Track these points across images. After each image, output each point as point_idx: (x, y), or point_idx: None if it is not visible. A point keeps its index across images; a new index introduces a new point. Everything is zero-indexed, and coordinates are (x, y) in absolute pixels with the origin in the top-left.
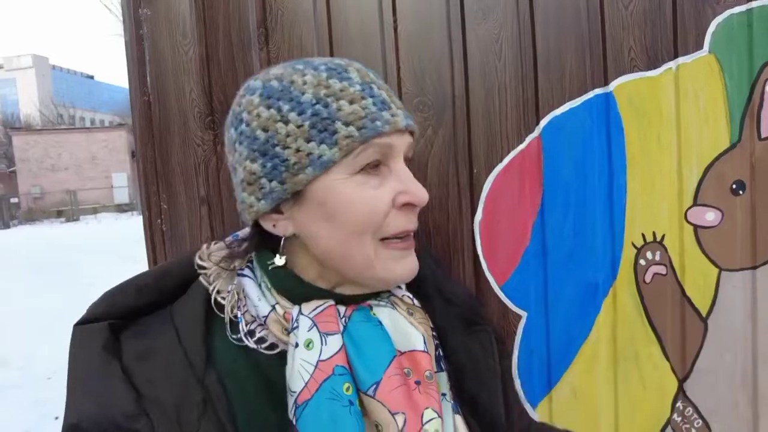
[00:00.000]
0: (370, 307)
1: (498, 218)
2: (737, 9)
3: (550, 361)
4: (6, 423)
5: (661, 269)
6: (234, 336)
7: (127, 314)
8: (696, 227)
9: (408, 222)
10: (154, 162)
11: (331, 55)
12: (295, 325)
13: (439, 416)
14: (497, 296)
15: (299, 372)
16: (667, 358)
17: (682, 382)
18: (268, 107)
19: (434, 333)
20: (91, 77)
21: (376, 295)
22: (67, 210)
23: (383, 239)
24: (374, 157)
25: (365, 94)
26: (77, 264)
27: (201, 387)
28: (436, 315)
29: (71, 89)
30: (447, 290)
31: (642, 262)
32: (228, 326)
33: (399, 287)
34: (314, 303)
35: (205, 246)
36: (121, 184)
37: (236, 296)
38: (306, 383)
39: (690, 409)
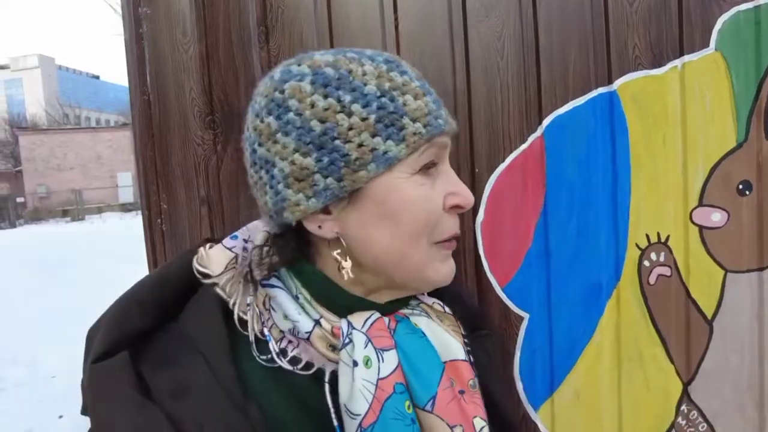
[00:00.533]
0: (407, 317)
1: (500, 219)
2: (744, 6)
3: (552, 363)
4: (11, 420)
5: (666, 270)
6: (263, 357)
7: (137, 339)
8: (701, 228)
9: (455, 225)
10: (154, 161)
11: None
12: (348, 341)
13: (487, 423)
14: (499, 297)
15: (361, 392)
16: (672, 361)
17: (686, 384)
18: (326, 96)
19: (465, 340)
20: (97, 77)
21: (406, 302)
22: (73, 209)
23: (436, 243)
24: (433, 156)
25: (425, 91)
26: (82, 263)
27: (247, 422)
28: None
29: (77, 89)
30: (454, 292)
31: (646, 263)
32: (254, 345)
33: (423, 293)
34: (361, 315)
35: (202, 249)
36: (126, 183)
37: (257, 310)
38: (370, 404)
39: (695, 413)
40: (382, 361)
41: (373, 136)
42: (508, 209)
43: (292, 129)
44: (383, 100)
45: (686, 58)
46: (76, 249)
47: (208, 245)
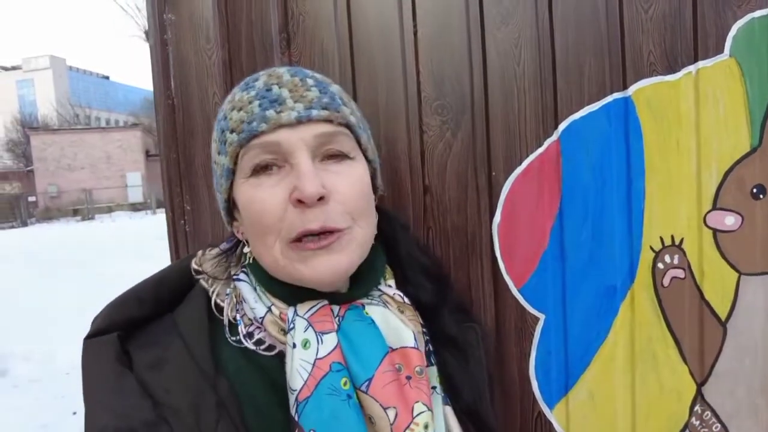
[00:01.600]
0: (363, 306)
1: (516, 221)
2: (759, 13)
3: (567, 363)
4: (28, 416)
5: (680, 273)
6: (233, 338)
7: (131, 325)
8: (715, 231)
9: (305, 220)
10: (178, 164)
11: (352, 59)
12: (292, 326)
13: (429, 409)
14: (515, 298)
15: (298, 371)
16: (686, 362)
17: (700, 385)
18: (214, 130)
19: (424, 329)
20: (107, 78)
21: (366, 293)
22: (83, 209)
23: (293, 241)
24: (259, 158)
25: (255, 98)
26: (93, 262)
27: (214, 392)
28: (437, 318)
29: (87, 90)
30: (451, 300)
31: (660, 265)
32: (227, 328)
33: (389, 285)
34: (308, 304)
35: (200, 252)
36: (135, 183)
37: (234, 299)
38: (305, 381)
39: (708, 413)
40: (321, 343)
41: (219, 153)
42: (524, 212)
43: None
44: (222, 122)
45: (700, 64)
46: (86, 248)
47: (208, 248)
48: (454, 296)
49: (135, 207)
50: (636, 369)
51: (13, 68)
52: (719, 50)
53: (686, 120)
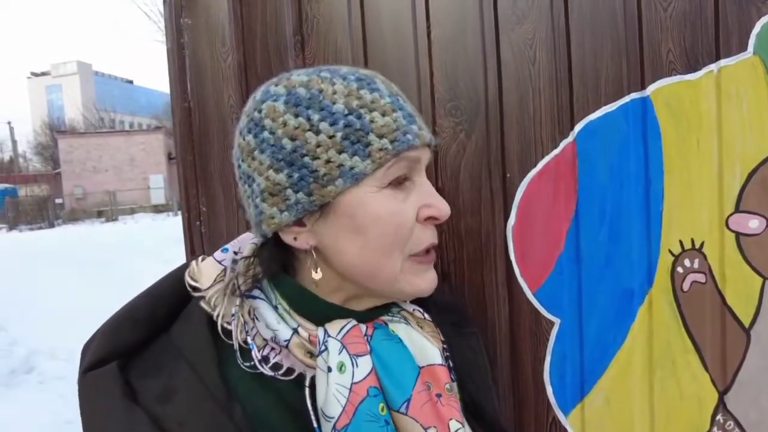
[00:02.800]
0: (387, 324)
1: (531, 223)
2: None
3: (583, 368)
4: (53, 412)
5: (700, 277)
6: (246, 364)
7: (128, 351)
8: (738, 234)
9: (432, 236)
10: (194, 166)
11: (366, 60)
12: (323, 348)
13: (463, 425)
14: (530, 302)
15: (335, 396)
16: (707, 369)
17: (722, 394)
18: (296, 115)
19: (444, 345)
20: (131, 82)
21: (387, 309)
22: (107, 210)
23: (412, 255)
24: (403, 171)
25: (395, 107)
26: (116, 262)
27: (231, 423)
28: (433, 321)
29: (112, 94)
30: (436, 296)
31: (680, 269)
32: (238, 353)
33: (404, 300)
34: (338, 324)
35: (194, 263)
36: (158, 185)
37: (242, 319)
38: (344, 407)
39: (731, 423)
40: (356, 366)
41: (340, 152)
42: (540, 214)
43: (267, 147)
44: (350, 117)
45: (722, 62)
46: (110, 248)
47: (200, 259)
48: (449, 296)
49: (157, 209)
50: (654, 375)
51: (43, 74)
52: (742, 48)
53: (707, 120)
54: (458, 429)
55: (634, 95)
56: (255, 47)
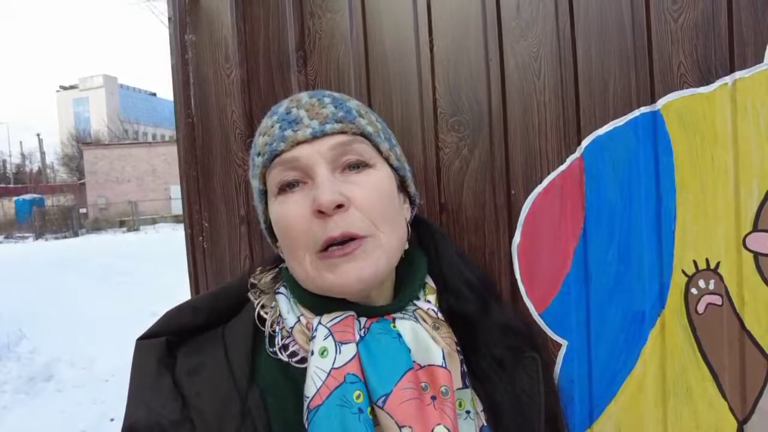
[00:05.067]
0: (393, 320)
1: (537, 242)
2: None
3: (591, 393)
4: (68, 419)
5: (716, 299)
6: (270, 349)
7: (183, 331)
8: (757, 255)
9: (328, 230)
10: (197, 181)
11: (368, 76)
12: (314, 334)
13: None
14: (536, 323)
15: (312, 378)
16: (725, 397)
17: (742, 423)
18: None
19: (459, 348)
20: (154, 94)
21: (400, 307)
22: (129, 220)
23: (321, 251)
24: (283, 175)
25: (275, 122)
26: (137, 272)
27: (242, 401)
28: (484, 340)
29: (136, 106)
30: (501, 317)
31: (694, 290)
32: (267, 340)
33: (427, 301)
34: (334, 314)
35: (259, 268)
36: (179, 196)
37: (276, 312)
38: (318, 389)
39: None
40: (339, 353)
41: (253, 178)
42: (546, 232)
43: None
44: (252, 150)
45: (737, 74)
46: (131, 257)
47: (268, 266)
48: (506, 315)
49: (178, 219)
50: (668, 402)
51: (71, 87)
52: (758, 59)
53: (722, 134)
54: None
55: (643, 109)
56: (258, 63)
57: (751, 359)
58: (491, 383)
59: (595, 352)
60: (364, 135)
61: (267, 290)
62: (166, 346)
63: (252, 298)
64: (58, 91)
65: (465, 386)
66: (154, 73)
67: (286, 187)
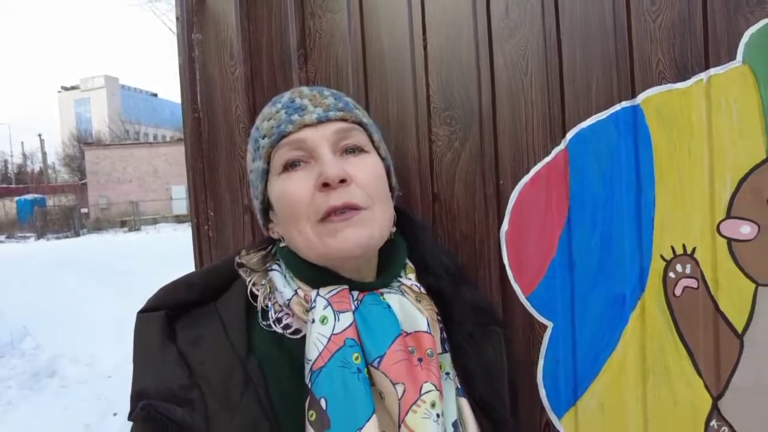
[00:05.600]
0: (381, 294)
1: (524, 229)
2: None
3: (576, 372)
4: (72, 415)
5: (692, 282)
6: (264, 323)
7: (179, 307)
8: (730, 240)
9: (330, 200)
10: (203, 173)
11: (365, 73)
12: (313, 305)
13: (437, 390)
14: (523, 306)
15: (314, 343)
16: (700, 375)
17: (716, 399)
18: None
19: (439, 317)
20: (155, 95)
21: (386, 283)
22: (130, 220)
23: (322, 220)
24: (288, 155)
25: (281, 108)
26: (138, 271)
27: (243, 370)
28: (457, 316)
29: (137, 106)
30: (471, 297)
31: (671, 274)
32: (260, 314)
33: (408, 277)
34: (330, 287)
35: (244, 250)
36: (180, 196)
37: (268, 289)
38: (320, 353)
39: (725, 429)
40: (338, 321)
41: (254, 161)
42: (533, 220)
43: None
44: (254, 133)
45: (712, 71)
46: (132, 257)
47: (252, 248)
48: (476, 296)
49: (179, 219)
50: (647, 381)
51: (72, 88)
52: (731, 57)
53: (698, 128)
54: (430, 390)
55: (624, 104)
56: (261, 60)
57: (724, 339)
58: (464, 353)
59: (579, 333)
60: (361, 124)
61: (257, 269)
62: (166, 318)
63: (243, 275)
64: (59, 91)
65: (444, 351)
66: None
67: (289, 166)
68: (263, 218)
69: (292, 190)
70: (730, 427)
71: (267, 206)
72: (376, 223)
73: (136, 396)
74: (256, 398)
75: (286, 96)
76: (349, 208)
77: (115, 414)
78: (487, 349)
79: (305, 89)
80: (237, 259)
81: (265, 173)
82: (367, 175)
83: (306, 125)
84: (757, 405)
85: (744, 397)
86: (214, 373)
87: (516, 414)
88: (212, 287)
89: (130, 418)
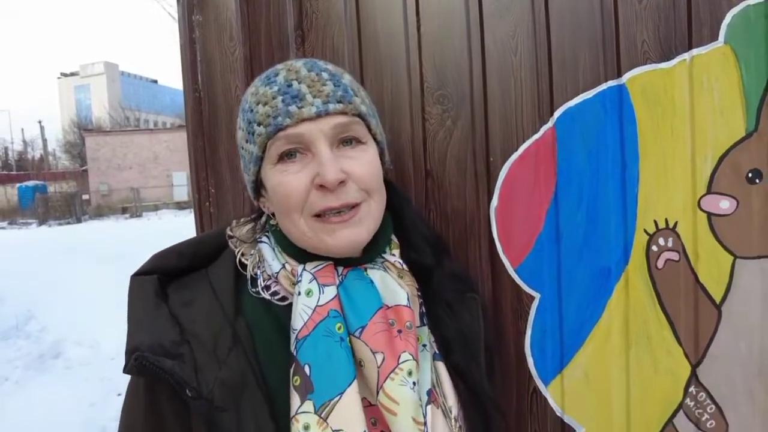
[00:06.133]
0: (365, 269)
1: (513, 205)
2: (754, 0)
3: (562, 342)
4: (77, 395)
5: (674, 255)
6: (253, 290)
7: (170, 272)
8: (710, 215)
9: (327, 200)
10: (204, 151)
11: (360, 54)
12: (299, 278)
13: (414, 359)
14: (511, 278)
15: (300, 314)
16: (680, 343)
17: (695, 367)
18: (238, 116)
19: (419, 293)
20: (155, 81)
21: (370, 259)
22: (131, 206)
23: (317, 216)
24: (285, 147)
25: (278, 93)
26: (140, 257)
27: (232, 329)
28: (436, 285)
29: (137, 93)
30: (449, 267)
31: (654, 248)
32: (249, 282)
33: (392, 254)
34: (316, 262)
35: (234, 222)
36: (181, 182)
37: (257, 258)
38: (305, 322)
39: (703, 394)
40: (322, 293)
41: (247, 142)
42: (521, 195)
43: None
44: (248, 114)
45: (695, 51)
46: (134, 243)
47: (241, 219)
48: (453, 265)
49: (180, 205)
50: (630, 349)
51: (72, 74)
52: (714, 38)
53: (680, 106)
54: (407, 360)
55: (611, 83)
56: (260, 41)
57: (703, 309)
58: (442, 323)
59: (565, 304)
60: (360, 115)
61: (246, 240)
62: (158, 282)
63: (233, 246)
64: (59, 78)
65: (423, 324)
66: (155, 61)
67: (285, 156)
68: (254, 193)
69: (288, 184)
70: (707, 392)
71: (258, 185)
72: (371, 218)
73: (130, 351)
74: (243, 354)
75: (281, 75)
76: (346, 207)
77: (119, 394)
78: (464, 315)
79: (302, 67)
80: (228, 231)
81: (259, 160)
82: (365, 170)
83: (304, 119)
84: (732, 371)
85: (720, 364)
86: (204, 330)
87: (492, 376)
88: (200, 256)
89: (124, 371)
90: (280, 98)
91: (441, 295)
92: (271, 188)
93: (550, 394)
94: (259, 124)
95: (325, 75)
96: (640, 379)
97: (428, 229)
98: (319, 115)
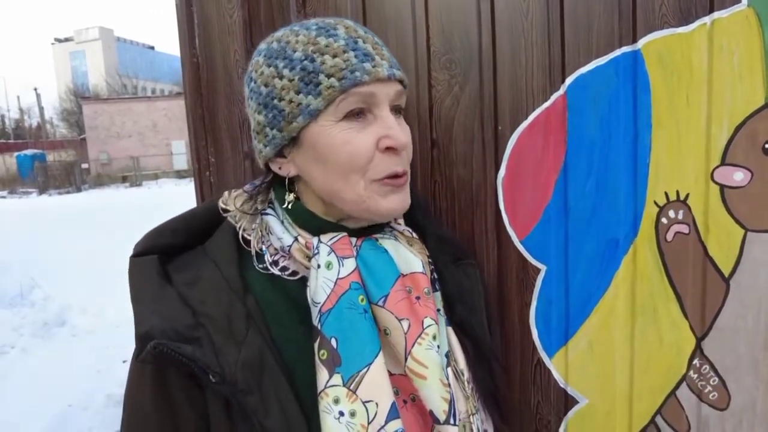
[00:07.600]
0: (377, 239)
1: (521, 175)
2: None
3: (568, 314)
4: (83, 362)
5: (684, 228)
6: (260, 266)
7: (167, 251)
8: (722, 187)
9: (393, 164)
10: (203, 118)
11: (365, 16)
12: (317, 251)
13: (436, 323)
14: (517, 249)
15: (322, 287)
16: (686, 317)
17: (700, 340)
18: (269, 66)
19: (430, 260)
20: (152, 48)
21: (380, 229)
22: (131, 175)
23: (378, 180)
24: (356, 105)
25: (348, 48)
26: (141, 226)
27: (244, 306)
28: (430, 250)
29: (134, 60)
30: (438, 231)
31: (664, 220)
32: (254, 258)
33: (399, 223)
34: (330, 234)
35: (226, 193)
36: (180, 151)
37: (260, 233)
38: (328, 296)
39: (707, 367)
40: (342, 266)
41: (298, 93)
42: (529, 165)
43: (253, 94)
44: (305, 62)
45: (716, 14)
46: (135, 212)
47: (233, 190)
48: (441, 227)
49: (180, 174)
50: (636, 322)
51: (66, 40)
52: (736, 0)
53: (698, 73)
54: (430, 325)
55: (625, 49)
56: (259, 3)
57: (711, 282)
58: (445, 282)
59: (572, 276)
60: (405, 87)
61: (247, 212)
62: (159, 261)
63: (232, 221)
64: (53, 43)
65: (435, 290)
66: (152, 26)
67: (351, 115)
68: (276, 153)
69: (356, 144)
70: (711, 365)
71: (289, 144)
72: (409, 187)
73: (142, 338)
74: (258, 333)
75: (341, 30)
76: (405, 174)
77: (124, 361)
78: (464, 281)
79: (357, 28)
80: (221, 204)
81: (316, 113)
82: (409, 140)
83: (379, 79)
84: (737, 343)
85: (726, 337)
86: (216, 310)
87: (492, 335)
88: (194, 233)
89: (138, 359)
90: (352, 53)
91: (441, 257)
92: (329, 146)
93: (554, 365)
94: (329, 76)
95: (377, 39)
96: (644, 351)
97: (416, 197)
98: (389, 78)
